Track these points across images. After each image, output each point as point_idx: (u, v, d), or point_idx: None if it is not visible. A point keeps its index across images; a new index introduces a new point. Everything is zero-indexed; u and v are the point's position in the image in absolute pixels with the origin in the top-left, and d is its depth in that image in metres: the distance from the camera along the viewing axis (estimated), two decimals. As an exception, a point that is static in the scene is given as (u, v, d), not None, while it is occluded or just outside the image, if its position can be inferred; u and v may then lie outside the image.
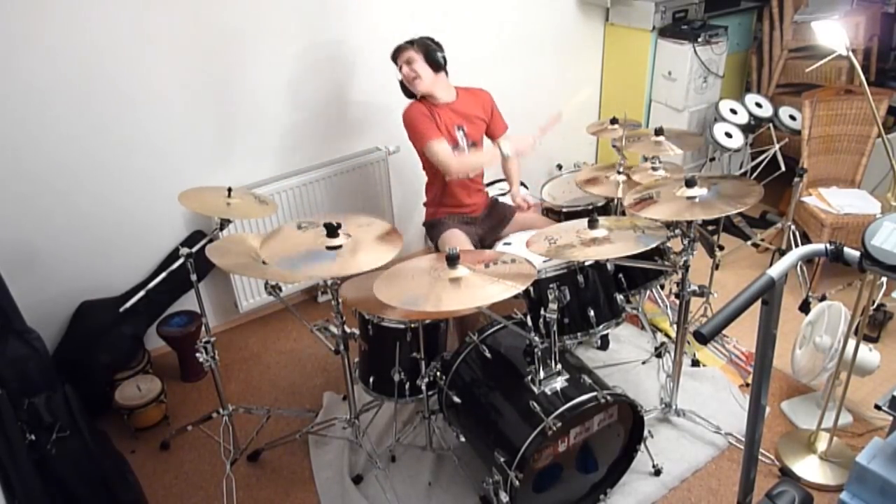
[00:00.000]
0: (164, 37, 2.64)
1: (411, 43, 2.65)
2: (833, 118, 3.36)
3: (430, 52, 2.62)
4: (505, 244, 2.56)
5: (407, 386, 2.31)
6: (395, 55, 2.66)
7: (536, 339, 2.02)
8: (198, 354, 2.30)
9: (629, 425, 2.17)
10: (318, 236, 1.96)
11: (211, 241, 2.25)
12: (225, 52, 2.81)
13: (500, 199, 3.01)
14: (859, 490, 1.55)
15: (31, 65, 2.43)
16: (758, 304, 1.27)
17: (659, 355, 2.73)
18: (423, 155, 2.68)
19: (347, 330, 2.21)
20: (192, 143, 2.87)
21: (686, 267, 2.24)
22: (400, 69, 2.65)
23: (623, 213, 2.66)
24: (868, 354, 2.35)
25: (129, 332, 2.81)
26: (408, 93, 2.71)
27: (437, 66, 2.64)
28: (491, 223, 2.87)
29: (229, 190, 2.31)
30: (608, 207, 2.83)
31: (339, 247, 1.93)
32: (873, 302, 2.51)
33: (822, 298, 2.97)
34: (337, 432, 2.54)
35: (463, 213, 2.81)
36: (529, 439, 1.90)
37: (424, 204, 2.90)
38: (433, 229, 2.82)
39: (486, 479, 2.04)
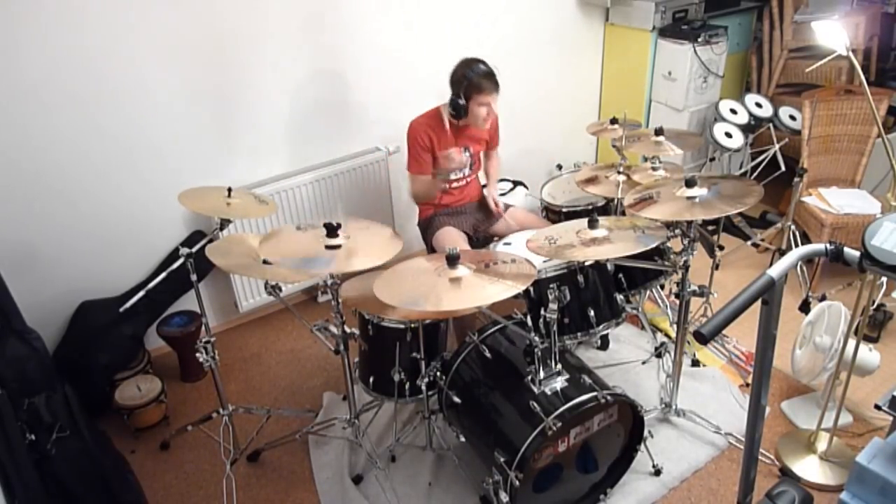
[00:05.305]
0: (164, 37, 2.64)
1: (497, 83, 2.58)
2: (833, 118, 3.36)
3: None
4: (505, 244, 2.56)
5: (407, 386, 2.31)
6: (480, 90, 2.55)
7: (536, 339, 2.02)
8: (198, 354, 2.30)
9: (629, 425, 2.17)
10: (317, 237, 1.97)
11: (211, 241, 2.25)
12: (225, 53, 2.81)
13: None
14: (859, 490, 1.55)
15: (32, 65, 2.42)
16: (758, 304, 1.27)
17: (659, 355, 2.73)
18: None
19: (347, 330, 2.21)
20: (192, 143, 2.87)
21: (686, 267, 2.24)
22: (478, 104, 2.58)
23: (623, 213, 2.66)
24: (868, 354, 2.35)
25: (129, 332, 2.81)
26: (457, 113, 2.64)
27: None
28: (483, 214, 2.91)
29: (229, 190, 2.31)
30: (608, 207, 2.83)
31: (339, 247, 1.93)
32: (873, 302, 2.51)
33: (822, 298, 2.97)
34: (337, 432, 2.54)
35: (451, 206, 2.87)
36: (529, 439, 1.90)
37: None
38: (427, 229, 2.87)
39: (486, 479, 2.04)
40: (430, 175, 2.73)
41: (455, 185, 2.85)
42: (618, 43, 3.91)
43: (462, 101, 2.59)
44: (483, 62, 2.60)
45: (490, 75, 2.58)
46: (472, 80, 2.56)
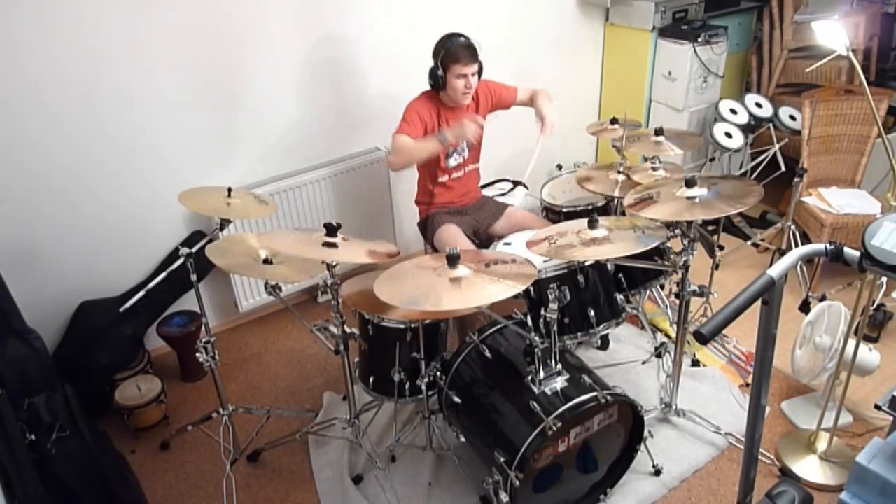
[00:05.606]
0: (164, 37, 2.64)
1: (475, 53, 2.57)
2: (833, 118, 3.36)
3: (481, 65, 2.62)
4: (505, 244, 2.55)
5: (407, 386, 2.31)
6: (456, 59, 2.53)
7: (536, 339, 2.02)
8: (198, 354, 2.30)
9: (629, 425, 2.17)
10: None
11: (211, 241, 2.25)
12: (225, 53, 2.81)
13: (496, 198, 3.02)
14: (859, 490, 1.55)
15: (32, 65, 2.43)
16: (758, 304, 1.27)
17: (659, 355, 2.73)
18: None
19: (347, 330, 2.21)
20: (192, 143, 2.87)
21: (686, 267, 2.24)
22: (455, 74, 2.56)
23: (623, 213, 2.66)
24: (868, 354, 2.35)
25: (129, 332, 2.81)
26: (435, 83, 2.63)
27: (480, 76, 2.66)
28: (483, 215, 2.90)
29: (229, 190, 2.31)
30: (608, 207, 2.83)
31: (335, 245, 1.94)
32: (873, 302, 2.51)
33: (822, 298, 2.97)
34: (337, 432, 2.54)
35: (453, 205, 2.86)
36: (529, 439, 1.90)
37: (416, 202, 2.91)
38: (427, 228, 2.85)
39: (486, 479, 2.04)
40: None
41: (454, 174, 2.81)
42: (618, 43, 3.91)
43: (440, 72, 2.58)
44: (464, 35, 2.59)
45: (469, 47, 2.56)
46: (449, 49, 2.54)
